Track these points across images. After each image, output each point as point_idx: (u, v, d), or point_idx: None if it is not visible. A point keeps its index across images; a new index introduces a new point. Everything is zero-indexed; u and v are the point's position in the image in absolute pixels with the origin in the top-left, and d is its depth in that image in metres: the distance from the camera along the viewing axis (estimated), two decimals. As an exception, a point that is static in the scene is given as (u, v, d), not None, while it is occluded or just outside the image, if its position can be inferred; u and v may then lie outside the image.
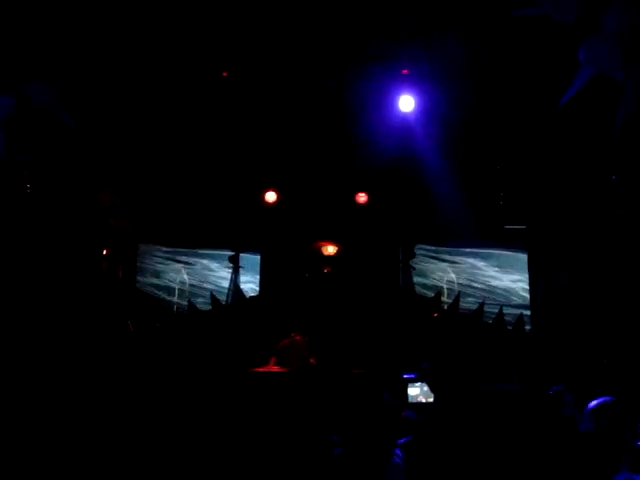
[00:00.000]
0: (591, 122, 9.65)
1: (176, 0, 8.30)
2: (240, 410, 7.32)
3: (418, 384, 6.10)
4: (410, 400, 5.92)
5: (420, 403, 6.16)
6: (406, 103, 10.40)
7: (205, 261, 13.25)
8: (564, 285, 11.37)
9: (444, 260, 13.04)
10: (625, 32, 5.76)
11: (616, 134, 6.35)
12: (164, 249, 13.24)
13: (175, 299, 13.03)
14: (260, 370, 9.23)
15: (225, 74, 10.19)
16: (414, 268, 12.91)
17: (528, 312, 12.16)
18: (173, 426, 6.66)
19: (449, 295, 12.72)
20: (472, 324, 11.74)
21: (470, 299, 12.68)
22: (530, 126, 10.55)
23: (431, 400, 5.15)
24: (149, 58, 8.82)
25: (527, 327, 11.74)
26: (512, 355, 10.36)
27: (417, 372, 6.63)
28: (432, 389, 5.66)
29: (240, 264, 12.73)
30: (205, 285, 13.09)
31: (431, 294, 12.69)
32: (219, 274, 13.13)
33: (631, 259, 10.55)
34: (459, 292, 12.54)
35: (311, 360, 9.70)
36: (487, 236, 12.56)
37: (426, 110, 10.49)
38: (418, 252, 12.91)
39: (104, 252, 12.40)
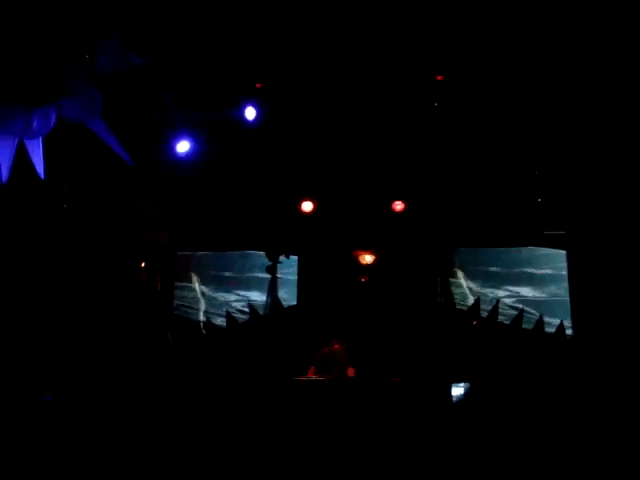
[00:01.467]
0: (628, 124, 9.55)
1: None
2: (283, 418, 7.33)
3: (462, 384, 6.05)
4: (455, 401, 5.86)
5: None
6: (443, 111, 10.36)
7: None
8: (606, 290, 11.23)
9: (482, 268, 12.95)
10: None
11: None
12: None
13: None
14: (301, 379, 9.22)
15: (259, 85, 10.24)
16: (451, 275, 12.84)
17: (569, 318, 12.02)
18: (218, 434, 6.69)
19: (489, 302, 12.62)
20: (511, 332, 11.65)
21: (509, 307, 12.57)
22: (568, 130, 10.45)
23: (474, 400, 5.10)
24: (187, 63, 8.87)
25: (568, 332, 11.61)
26: (553, 362, 10.26)
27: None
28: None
29: (277, 274, 12.77)
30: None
31: (470, 301, 12.60)
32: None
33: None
34: (498, 300, 12.44)
35: (350, 368, 9.68)
36: (526, 241, 12.46)
37: (461, 114, 10.44)
38: (456, 259, 12.84)
39: (142, 264, 12.51)
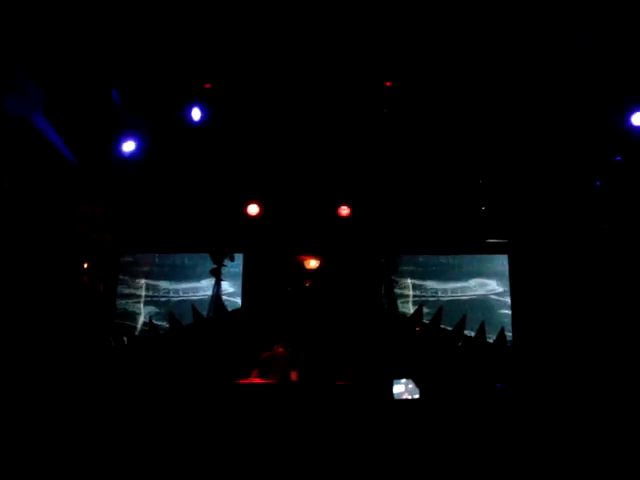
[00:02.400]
0: (574, 132, 9.75)
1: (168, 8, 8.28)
2: (224, 421, 7.28)
3: (403, 381, 6.08)
4: (396, 397, 5.88)
5: (405, 400, 6.13)
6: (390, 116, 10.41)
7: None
8: (544, 297, 11.45)
9: (426, 272, 13.11)
10: None
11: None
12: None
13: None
14: (243, 382, 9.18)
15: (208, 86, 10.19)
16: (396, 281, 12.95)
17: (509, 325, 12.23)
18: (156, 437, 6.61)
19: (432, 307, 12.76)
20: (453, 338, 11.77)
21: (453, 312, 12.73)
22: (513, 137, 10.62)
23: (416, 397, 5.09)
24: (136, 63, 8.79)
25: (509, 339, 11.81)
26: (493, 367, 10.40)
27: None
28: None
29: (221, 277, 12.73)
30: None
31: (413, 307, 12.74)
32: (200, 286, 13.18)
33: (614, 273, 10.63)
34: (441, 307, 12.57)
35: (293, 372, 9.66)
36: (469, 249, 12.66)
37: (407, 121, 10.52)
38: (400, 264, 12.99)
39: (85, 265, 12.32)
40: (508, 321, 12.54)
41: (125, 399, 8.51)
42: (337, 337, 11.10)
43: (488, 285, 13.12)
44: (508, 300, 12.78)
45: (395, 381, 5.78)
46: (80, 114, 8.72)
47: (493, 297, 13.05)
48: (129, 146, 10.31)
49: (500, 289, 12.99)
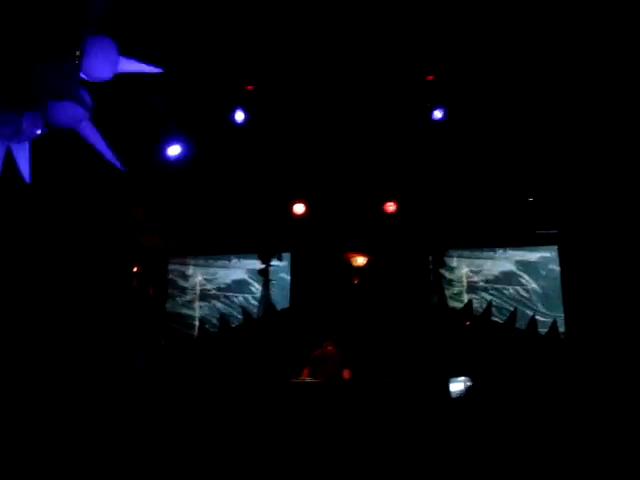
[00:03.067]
0: (624, 123, 9.56)
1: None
2: (278, 420, 7.30)
3: (461, 379, 5.97)
4: (453, 396, 5.79)
5: (462, 398, 6.03)
6: (437, 111, 10.32)
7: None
8: (598, 289, 11.24)
9: (476, 266, 12.99)
10: None
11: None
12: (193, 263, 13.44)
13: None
14: (295, 381, 9.18)
15: (250, 88, 10.22)
16: (444, 277, 12.87)
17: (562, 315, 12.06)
18: (214, 437, 6.65)
19: (481, 303, 12.65)
20: (504, 332, 11.66)
21: (504, 305, 12.62)
22: (560, 130, 10.46)
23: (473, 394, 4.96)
24: (179, 68, 8.85)
25: (561, 330, 11.64)
26: (546, 361, 10.25)
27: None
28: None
29: (270, 277, 12.77)
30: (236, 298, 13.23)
31: (464, 300, 12.64)
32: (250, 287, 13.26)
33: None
34: (490, 301, 12.45)
35: (346, 370, 9.65)
36: (518, 241, 12.51)
37: (453, 116, 10.41)
38: (449, 259, 12.89)
39: (135, 269, 12.48)
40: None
41: (176, 400, 8.59)
42: (386, 334, 11.06)
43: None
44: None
45: (452, 379, 5.66)
46: (126, 121, 8.83)
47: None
48: (175, 150, 10.41)
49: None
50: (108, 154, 5.85)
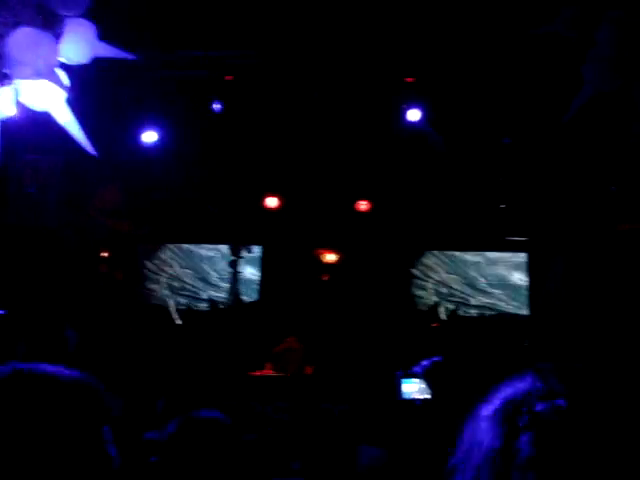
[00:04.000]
0: (593, 135, 9.67)
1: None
2: (237, 413, 7.29)
3: (416, 380, 5.93)
4: (404, 397, 5.72)
5: (414, 400, 5.99)
6: (413, 113, 10.31)
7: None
8: (561, 291, 11.40)
9: (445, 268, 13.08)
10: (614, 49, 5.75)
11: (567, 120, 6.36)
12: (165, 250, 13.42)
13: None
14: (258, 374, 9.19)
15: (229, 78, 10.18)
16: (415, 277, 12.94)
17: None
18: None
19: (450, 303, 12.76)
20: (472, 333, 11.75)
21: (472, 307, 12.74)
22: (532, 138, 10.56)
23: (428, 397, 4.89)
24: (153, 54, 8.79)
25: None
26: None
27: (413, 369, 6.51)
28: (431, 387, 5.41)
29: (239, 269, 12.77)
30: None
31: (431, 302, 12.73)
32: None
33: (633, 274, 10.54)
34: (457, 303, 12.56)
35: (307, 367, 9.67)
36: (489, 246, 12.63)
37: (430, 118, 10.44)
38: (419, 260, 12.98)
39: (104, 254, 12.41)
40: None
41: (133, 390, 8.55)
42: (353, 332, 11.09)
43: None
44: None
45: (405, 380, 5.52)
46: (100, 105, 8.77)
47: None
48: (150, 137, 10.35)
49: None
50: (81, 137, 5.81)
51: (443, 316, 12.54)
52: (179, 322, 12.35)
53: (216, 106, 10.23)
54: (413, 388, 5.37)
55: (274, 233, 12.50)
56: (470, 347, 10.78)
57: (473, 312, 12.70)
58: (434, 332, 11.79)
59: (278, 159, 11.62)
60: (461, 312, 12.61)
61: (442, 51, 9.26)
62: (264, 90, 10.30)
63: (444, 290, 13.00)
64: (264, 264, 12.90)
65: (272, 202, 12.34)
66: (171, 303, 13.02)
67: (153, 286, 13.32)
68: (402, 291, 12.79)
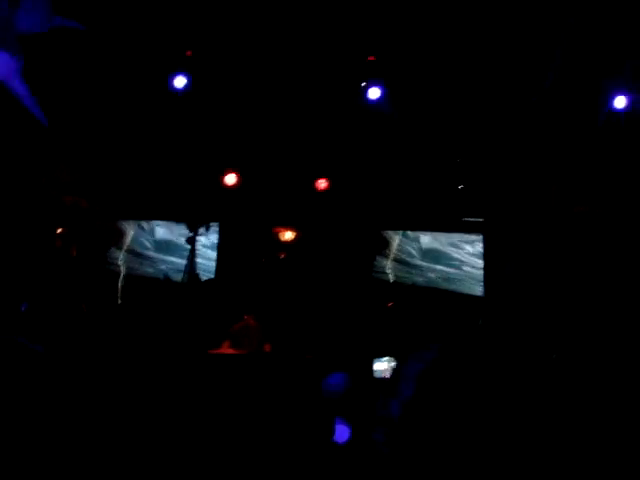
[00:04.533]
0: (555, 117, 9.77)
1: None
2: (195, 392, 7.26)
3: (385, 359, 5.93)
4: (376, 375, 5.76)
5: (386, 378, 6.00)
6: (373, 91, 10.26)
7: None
8: (513, 277, 11.52)
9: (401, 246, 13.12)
10: None
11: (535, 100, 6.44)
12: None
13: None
14: (215, 352, 9.17)
15: (189, 53, 10.06)
16: (370, 256, 12.96)
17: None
18: (126, 410, 6.57)
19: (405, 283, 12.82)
20: (423, 314, 11.83)
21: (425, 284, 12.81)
22: (491, 118, 10.63)
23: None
24: (105, 32, 8.64)
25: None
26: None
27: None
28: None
29: (196, 246, 12.65)
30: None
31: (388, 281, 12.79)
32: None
33: (590, 258, 10.69)
34: (413, 283, 12.63)
35: (266, 345, 9.67)
36: (446, 227, 12.68)
37: (389, 97, 10.43)
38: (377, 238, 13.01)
39: (58, 230, 12.22)
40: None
41: (92, 368, 8.45)
42: (310, 311, 11.10)
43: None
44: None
45: (376, 359, 5.61)
46: (57, 78, 8.60)
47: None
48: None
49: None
50: (35, 110, 5.69)
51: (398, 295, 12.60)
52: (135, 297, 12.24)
53: (177, 82, 10.10)
54: (384, 367, 5.41)
55: (233, 210, 12.42)
56: (426, 325, 10.89)
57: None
58: (390, 311, 11.84)
59: (237, 136, 11.53)
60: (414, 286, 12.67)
61: (403, 30, 9.26)
62: (224, 66, 10.20)
63: (400, 267, 13.02)
64: (222, 241, 12.81)
65: (231, 179, 12.25)
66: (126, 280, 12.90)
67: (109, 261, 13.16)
68: (359, 269, 12.81)
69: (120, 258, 13.16)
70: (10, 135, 9.95)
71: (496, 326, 11.28)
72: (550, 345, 9.88)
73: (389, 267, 13.02)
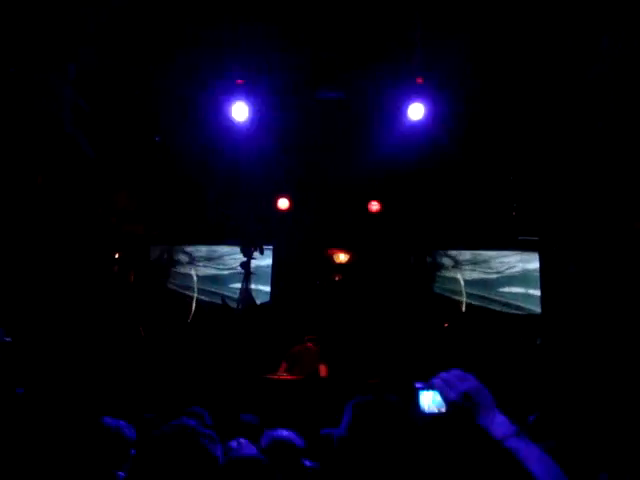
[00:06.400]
0: (608, 133, 9.63)
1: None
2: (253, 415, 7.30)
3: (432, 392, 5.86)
4: (422, 408, 5.68)
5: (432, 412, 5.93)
6: (416, 111, 10.16)
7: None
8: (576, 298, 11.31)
9: (458, 268, 13.02)
10: None
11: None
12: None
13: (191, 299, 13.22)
14: (272, 377, 9.15)
15: (240, 82, 10.17)
16: (427, 277, 12.90)
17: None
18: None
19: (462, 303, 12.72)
20: (483, 334, 11.69)
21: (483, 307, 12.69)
22: (545, 136, 10.51)
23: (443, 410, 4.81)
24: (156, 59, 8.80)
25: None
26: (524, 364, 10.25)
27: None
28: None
29: (252, 270, 12.72)
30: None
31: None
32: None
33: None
34: (469, 303, 12.52)
35: (323, 367, 9.63)
36: (501, 244, 12.56)
37: (436, 118, 10.36)
38: (431, 260, 12.95)
39: (116, 256, 12.44)
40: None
41: (148, 392, 8.55)
42: (366, 333, 11.06)
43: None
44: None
45: (424, 389, 5.36)
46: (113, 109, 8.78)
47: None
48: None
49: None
50: (83, 142, 5.87)
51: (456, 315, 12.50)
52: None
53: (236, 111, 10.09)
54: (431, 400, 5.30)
55: (286, 234, 12.52)
56: (483, 347, 10.75)
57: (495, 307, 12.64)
58: (447, 331, 11.74)
59: (290, 161, 11.63)
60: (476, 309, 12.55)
61: (451, 50, 9.24)
62: (274, 94, 10.29)
63: (459, 289, 12.93)
64: (275, 264, 12.90)
65: (284, 203, 12.36)
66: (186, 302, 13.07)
67: (168, 287, 13.36)
68: (414, 290, 12.74)
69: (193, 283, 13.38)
70: (69, 166, 10.18)
71: (555, 344, 11.10)
72: (609, 368, 9.68)
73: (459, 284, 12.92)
